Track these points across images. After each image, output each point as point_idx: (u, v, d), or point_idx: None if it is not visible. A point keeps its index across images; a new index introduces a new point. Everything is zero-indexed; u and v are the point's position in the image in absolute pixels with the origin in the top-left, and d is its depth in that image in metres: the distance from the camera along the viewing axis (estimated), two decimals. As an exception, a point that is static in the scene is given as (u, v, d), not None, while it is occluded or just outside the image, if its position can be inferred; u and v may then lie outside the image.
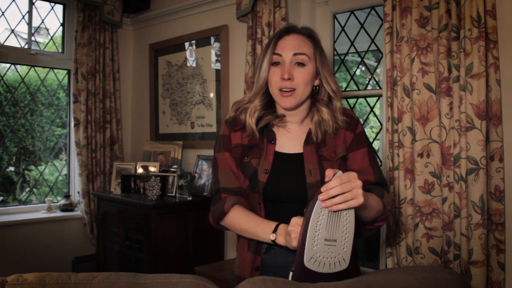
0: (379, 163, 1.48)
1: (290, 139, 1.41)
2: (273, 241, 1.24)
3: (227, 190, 1.39)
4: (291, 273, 1.12)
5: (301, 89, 1.34)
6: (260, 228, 1.28)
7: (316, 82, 1.39)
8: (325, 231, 1.07)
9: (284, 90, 1.33)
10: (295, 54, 1.33)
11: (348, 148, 1.39)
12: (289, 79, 1.32)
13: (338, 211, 1.07)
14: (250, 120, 1.38)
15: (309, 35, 1.38)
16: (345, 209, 1.07)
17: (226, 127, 1.44)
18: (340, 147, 1.38)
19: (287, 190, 1.35)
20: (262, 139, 1.40)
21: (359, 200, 1.06)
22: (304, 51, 1.34)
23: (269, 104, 1.41)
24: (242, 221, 1.33)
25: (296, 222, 1.16)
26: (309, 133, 1.40)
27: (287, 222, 1.25)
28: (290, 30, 1.38)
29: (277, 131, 1.42)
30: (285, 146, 1.40)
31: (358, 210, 1.18)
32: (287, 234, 1.19)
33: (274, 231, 1.25)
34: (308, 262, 1.07)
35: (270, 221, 1.29)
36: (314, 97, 1.41)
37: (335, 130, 1.38)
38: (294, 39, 1.35)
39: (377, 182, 1.36)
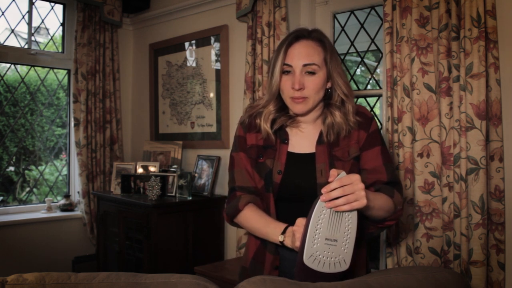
0: (392, 161, 1.48)
1: (303, 139, 1.42)
2: (281, 242, 1.26)
3: (243, 188, 1.41)
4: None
5: (313, 97, 1.35)
6: (270, 229, 1.30)
7: (329, 85, 1.39)
8: (326, 230, 1.07)
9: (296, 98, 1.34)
10: (305, 65, 1.33)
11: (361, 147, 1.39)
12: (300, 89, 1.32)
13: (340, 211, 1.07)
14: (265, 125, 1.40)
15: (319, 39, 1.37)
16: (348, 211, 1.07)
17: (241, 128, 1.47)
18: (353, 147, 1.38)
19: (299, 191, 1.36)
20: (276, 140, 1.42)
21: (362, 202, 1.08)
22: (314, 61, 1.33)
23: (282, 107, 1.43)
24: (254, 220, 1.35)
25: (301, 222, 1.17)
26: (321, 132, 1.40)
27: None
28: (299, 36, 1.37)
29: (290, 131, 1.44)
30: (298, 146, 1.42)
31: (364, 210, 1.18)
32: (292, 235, 1.20)
33: (283, 233, 1.26)
34: (307, 260, 1.07)
35: (281, 222, 1.30)
36: (327, 100, 1.41)
37: (348, 133, 1.38)
38: (304, 47, 1.34)
39: (389, 181, 1.36)
